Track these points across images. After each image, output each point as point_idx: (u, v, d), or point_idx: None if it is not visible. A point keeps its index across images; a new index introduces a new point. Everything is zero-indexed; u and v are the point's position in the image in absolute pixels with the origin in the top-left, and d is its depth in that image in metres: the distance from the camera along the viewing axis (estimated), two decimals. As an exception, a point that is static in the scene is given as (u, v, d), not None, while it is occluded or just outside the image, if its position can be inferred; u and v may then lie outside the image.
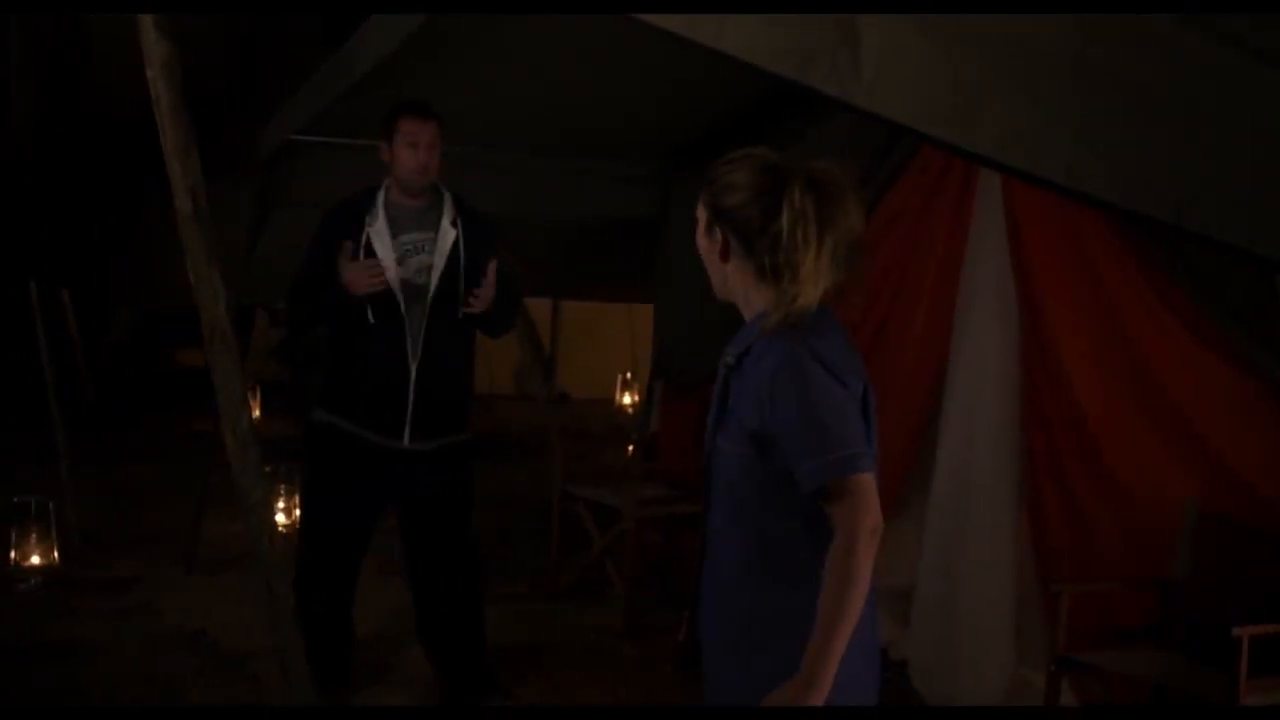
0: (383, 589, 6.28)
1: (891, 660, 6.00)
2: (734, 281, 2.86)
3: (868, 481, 2.70)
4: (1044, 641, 5.15)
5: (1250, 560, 4.89)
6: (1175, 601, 5.04)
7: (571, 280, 8.93)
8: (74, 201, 7.40)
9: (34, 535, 6.91)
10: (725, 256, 2.84)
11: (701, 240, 2.88)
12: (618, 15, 2.83)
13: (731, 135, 6.42)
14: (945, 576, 5.68)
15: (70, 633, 6.17)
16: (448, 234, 5.09)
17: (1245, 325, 4.89)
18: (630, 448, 8.53)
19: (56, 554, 6.98)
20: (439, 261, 5.06)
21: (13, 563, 6.88)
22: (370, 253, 5.01)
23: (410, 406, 5.05)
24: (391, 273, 4.99)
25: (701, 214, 2.85)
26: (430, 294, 5.03)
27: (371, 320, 5.01)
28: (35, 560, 6.91)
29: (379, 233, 5.03)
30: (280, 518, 7.78)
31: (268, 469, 6.86)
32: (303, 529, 5.33)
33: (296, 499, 7.99)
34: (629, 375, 12.74)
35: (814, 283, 2.76)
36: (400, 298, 5.00)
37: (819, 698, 2.64)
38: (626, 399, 12.81)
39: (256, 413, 11.30)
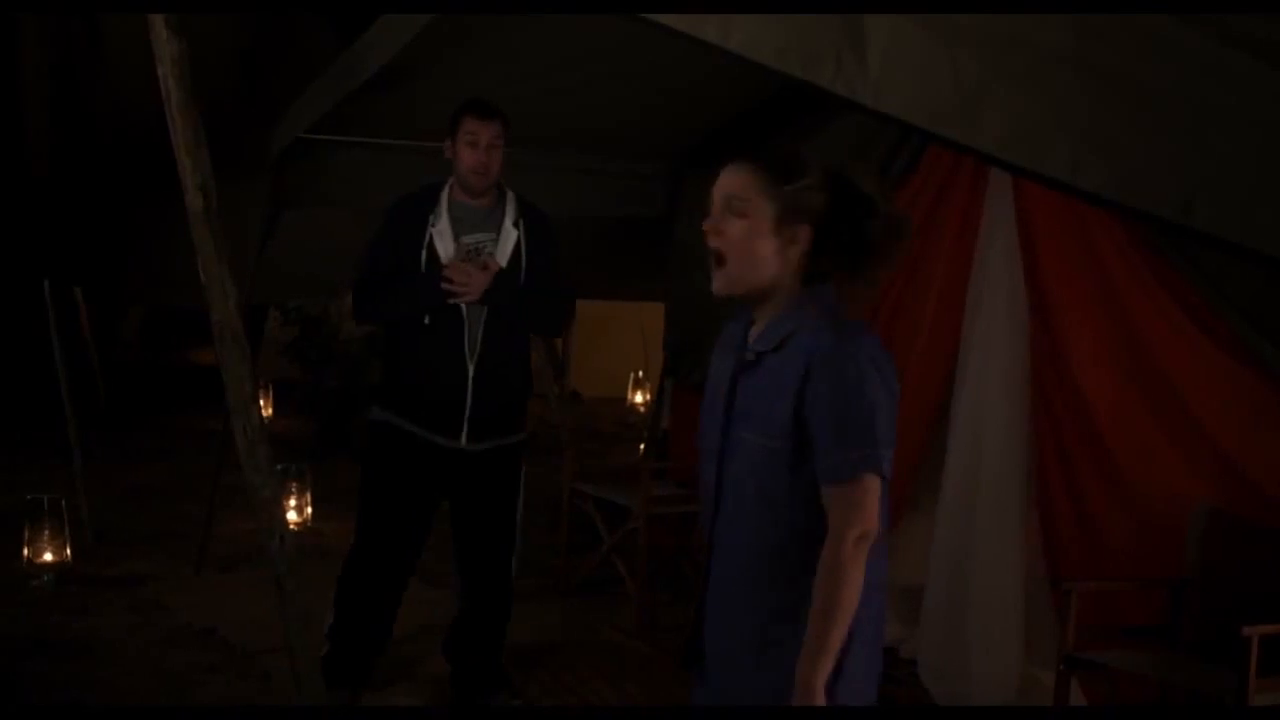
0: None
1: (901, 658, 6.00)
2: (778, 277, 2.84)
3: (873, 485, 2.74)
4: (1053, 640, 5.15)
5: (1259, 560, 4.88)
6: (1184, 601, 5.03)
7: (583, 279, 8.92)
8: (87, 200, 7.41)
9: (47, 533, 6.93)
10: (784, 252, 2.83)
11: (759, 232, 2.83)
12: (625, 15, 2.84)
13: (741, 134, 6.46)
14: (955, 575, 5.67)
15: (82, 629, 6.18)
16: (510, 235, 5.10)
17: (1255, 323, 4.88)
18: (641, 446, 8.55)
19: (69, 551, 6.99)
20: (502, 261, 5.07)
21: (26, 560, 6.89)
22: (432, 252, 5.03)
23: (468, 407, 5.08)
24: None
25: (768, 207, 2.81)
26: (480, 291, 5.02)
27: (430, 320, 5.03)
28: (48, 557, 6.92)
29: (441, 232, 5.05)
30: (291, 515, 7.80)
31: (279, 467, 6.90)
32: (358, 524, 5.34)
33: (308, 497, 8.03)
34: (640, 374, 12.75)
35: (877, 288, 2.90)
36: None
37: (817, 701, 2.71)
38: (638, 398, 12.82)
39: (269, 411, 11.34)
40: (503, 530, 5.31)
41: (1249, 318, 4.90)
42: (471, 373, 5.06)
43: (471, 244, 5.07)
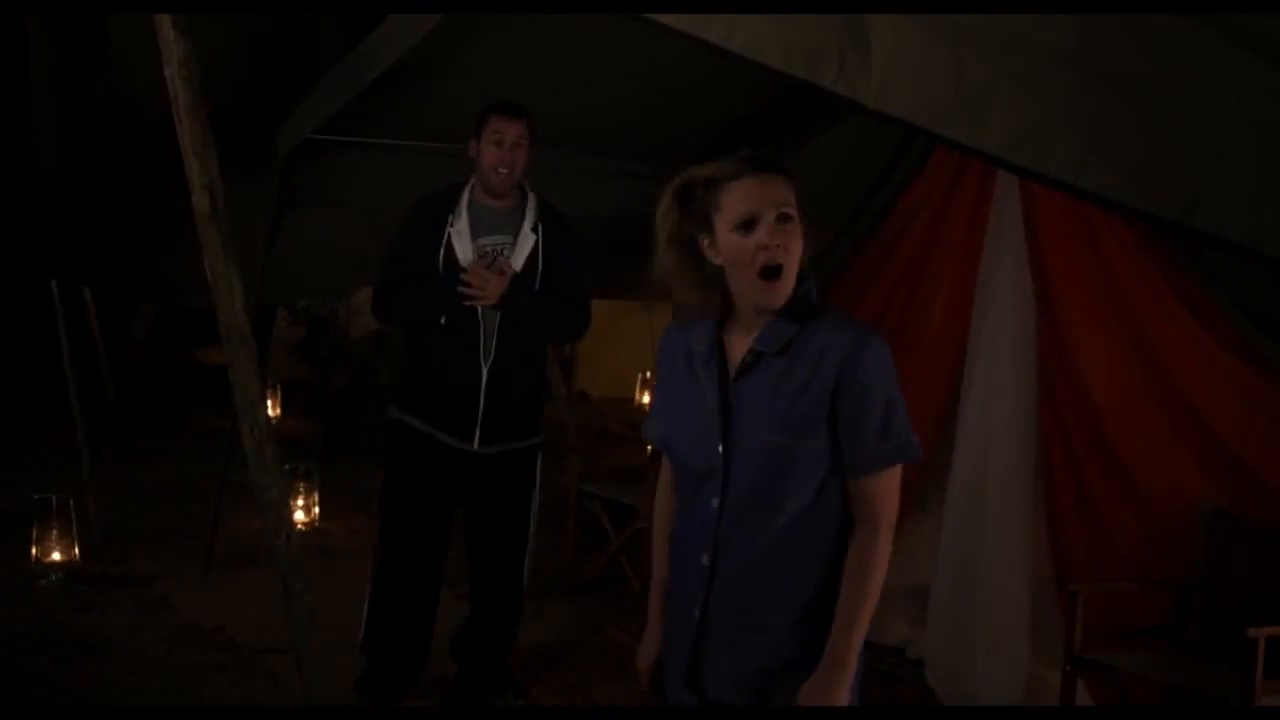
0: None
1: (908, 659, 6.01)
2: (797, 262, 2.84)
3: (900, 473, 2.86)
4: (1060, 641, 5.15)
5: (1266, 561, 4.88)
6: (1191, 602, 5.04)
7: (593, 279, 8.92)
8: (94, 200, 7.41)
9: (55, 532, 6.94)
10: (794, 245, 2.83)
11: (801, 240, 2.83)
12: (631, 16, 2.84)
13: (748, 135, 6.45)
14: (961, 576, 5.67)
15: (89, 628, 6.20)
16: (527, 239, 5.08)
17: (1262, 324, 4.88)
18: (649, 447, 8.54)
19: (77, 550, 7.01)
20: (517, 265, 5.06)
21: (34, 559, 6.91)
22: (450, 252, 5.03)
23: (481, 409, 5.07)
24: None
25: (799, 214, 2.81)
26: (500, 293, 5.01)
27: (446, 321, 5.04)
28: (56, 556, 6.94)
29: (460, 232, 5.05)
30: (299, 515, 7.81)
31: (286, 467, 6.91)
32: (380, 528, 5.35)
33: (315, 496, 8.04)
34: (648, 374, 12.74)
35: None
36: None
37: (847, 681, 2.82)
38: (645, 398, 12.82)
39: (276, 411, 11.36)
40: (514, 534, 5.30)
41: (1255, 318, 4.90)
42: (485, 375, 5.06)
43: (489, 246, 5.06)
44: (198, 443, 10.35)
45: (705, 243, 2.86)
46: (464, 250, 5.03)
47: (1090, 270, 5.33)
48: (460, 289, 4.97)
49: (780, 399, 2.83)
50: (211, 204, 4.23)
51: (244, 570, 7.17)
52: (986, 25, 2.57)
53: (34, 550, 6.92)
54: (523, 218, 5.11)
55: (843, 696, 2.81)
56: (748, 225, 2.78)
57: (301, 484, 7.98)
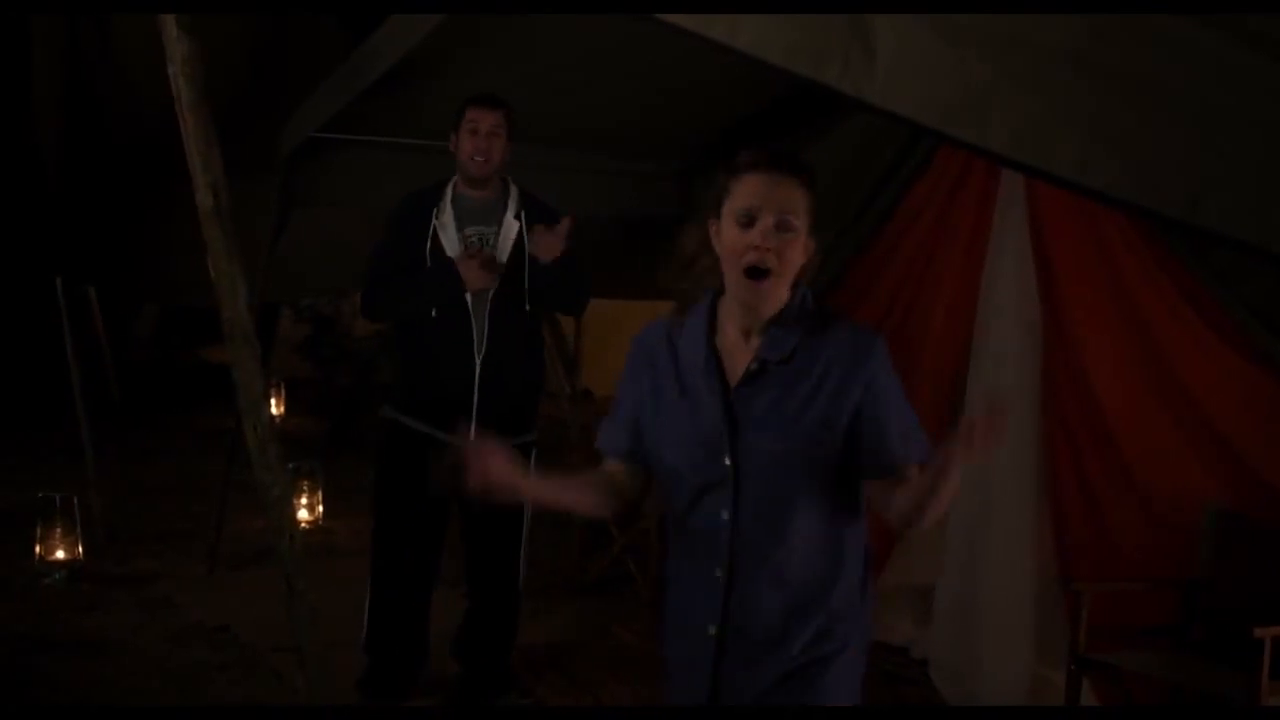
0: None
1: (913, 659, 6.00)
2: (791, 271, 2.79)
3: None
4: (1064, 641, 5.14)
5: (1271, 560, 4.87)
6: (1196, 602, 5.03)
7: (596, 279, 8.92)
8: (99, 199, 7.41)
9: (59, 530, 6.95)
10: (804, 262, 2.81)
11: (800, 247, 2.79)
12: (634, 15, 2.83)
13: (752, 133, 6.45)
14: (966, 576, 5.66)
15: (92, 628, 6.20)
16: (511, 227, 5.10)
17: (1266, 322, 4.87)
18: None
19: (80, 549, 7.01)
20: (503, 255, 5.07)
21: (37, 557, 6.91)
22: (436, 244, 5.04)
23: (475, 402, 5.07)
24: None
25: (805, 221, 2.78)
26: (493, 287, 5.04)
27: (436, 314, 5.04)
28: (60, 555, 6.94)
29: (445, 225, 5.07)
30: (303, 514, 7.81)
31: (290, 466, 6.91)
32: (375, 528, 5.36)
33: (319, 495, 8.04)
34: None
35: None
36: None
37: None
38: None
39: (281, 409, 11.36)
40: (510, 531, 5.30)
41: (1260, 316, 4.89)
42: (478, 368, 5.06)
43: (474, 236, 5.08)
44: (202, 441, 10.36)
45: (713, 228, 2.83)
46: (450, 242, 5.05)
47: (1095, 269, 5.32)
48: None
49: (789, 407, 2.79)
50: (215, 202, 4.22)
51: (247, 569, 7.17)
52: (989, 25, 2.56)
53: (38, 549, 6.92)
54: (505, 208, 5.13)
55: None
56: (746, 221, 2.75)
57: (305, 483, 7.98)
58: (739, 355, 2.85)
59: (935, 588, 5.83)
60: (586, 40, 5.25)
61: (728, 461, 2.81)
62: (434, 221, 5.07)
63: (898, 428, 2.80)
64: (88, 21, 7.24)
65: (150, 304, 13.33)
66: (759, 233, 2.73)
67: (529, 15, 4.91)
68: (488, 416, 5.08)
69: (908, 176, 5.99)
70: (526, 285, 5.09)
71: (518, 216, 5.12)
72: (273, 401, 11.25)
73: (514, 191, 5.18)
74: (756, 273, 2.74)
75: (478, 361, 5.05)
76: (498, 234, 5.11)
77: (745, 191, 2.76)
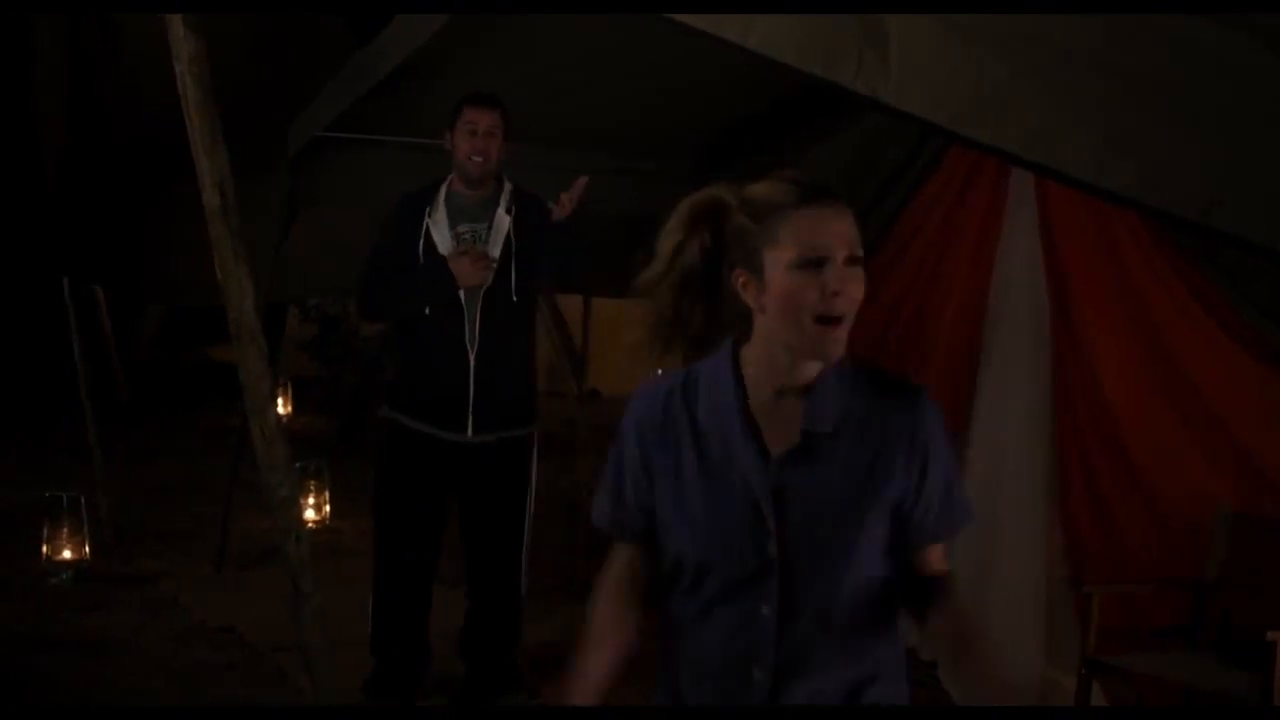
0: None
1: (922, 660, 5.98)
2: (848, 325, 2.36)
3: None
4: (1074, 643, 5.12)
5: (1283, 562, 4.85)
6: (1207, 603, 5.00)
7: (602, 277, 8.91)
8: (105, 198, 7.40)
9: (65, 530, 6.94)
10: (858, 294, 2.37)
11: (854, 273, 2.36)
12: (646, 14, 2.82)
13: (757, 134, 6.44)
14: (975, 577, 5.64)
15: (98, 627, 6.19)
16: (502, 221, 5.12)
17: (1277, 322, 4.85)
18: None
19: (88, 549, 7.00)
20: (495, 250, 5.09)
21: (44, 557, 6.90)
22: (430, 242, 5.05)
23: (471, 397, 5.08)
24: None
25: (859, 236, 2.37)
26: (486, 282, 5.06)
27: (430, 312, 5.05)
28: (67, 555, 6.93)
29: (438, 223, 5.10)
30: (310, 513, 7.80)
31: (297, 465, 6.89)
32: (375, 528, 5.36)
33: (326, 495, 8.02)
34: (659, 371, 12.70)
35: None
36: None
37: None
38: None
39: (288, 409, 11.35)
40: (511, 526, 5.29)
41: (1270, 316, 4.87)
42: (473, 363, 5.07)
43: (466, 233, 5.10)
44: (208, 441, 10.34)
45: (741, 280, 2.39)
46: (443, 240, 5.08)
47: (1105, 270, 5.30)
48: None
49: (840, 484, 2.38)
50: (222, 201, 4.22)
51: (254, 569, 7.16)
52: (1003, 25, 2.54)
53: (44, 548, 6.91)
54: (497, 204, 5.15)
55: None
56: (812, 264, 2.31)
57: (312, 482, 7.97)
58: (776, 422, 2.41)
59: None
60: (594, 39, 5.24)
61: (772, 553, 2.37)
62: (427, 220, 5.08)
63: (941, 497, 2.44)
64: (91, 21, 7.23)
65: (156, 303, 13.32)
66: (834, 275, 2.31)
67: (530, 15, 4.91)
68: (485, 412, 5.08)
69: (916, 178, 5.97)
70: (514, 271, 5.09)
71: (509, 211, 5.13)
72: (280, 401, 11.24)
73: (507, 188, 5.19)
74: (830, 321, 2.32)
75: (472, 357, 5.06)
76: (489, 230, 5.12)
77: (806, 230, 2.32)
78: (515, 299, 5.13)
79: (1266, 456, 4.96)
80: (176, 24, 4.10)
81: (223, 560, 7.17)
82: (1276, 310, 4.86)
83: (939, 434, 2.45)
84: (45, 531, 6.91)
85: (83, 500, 7.04)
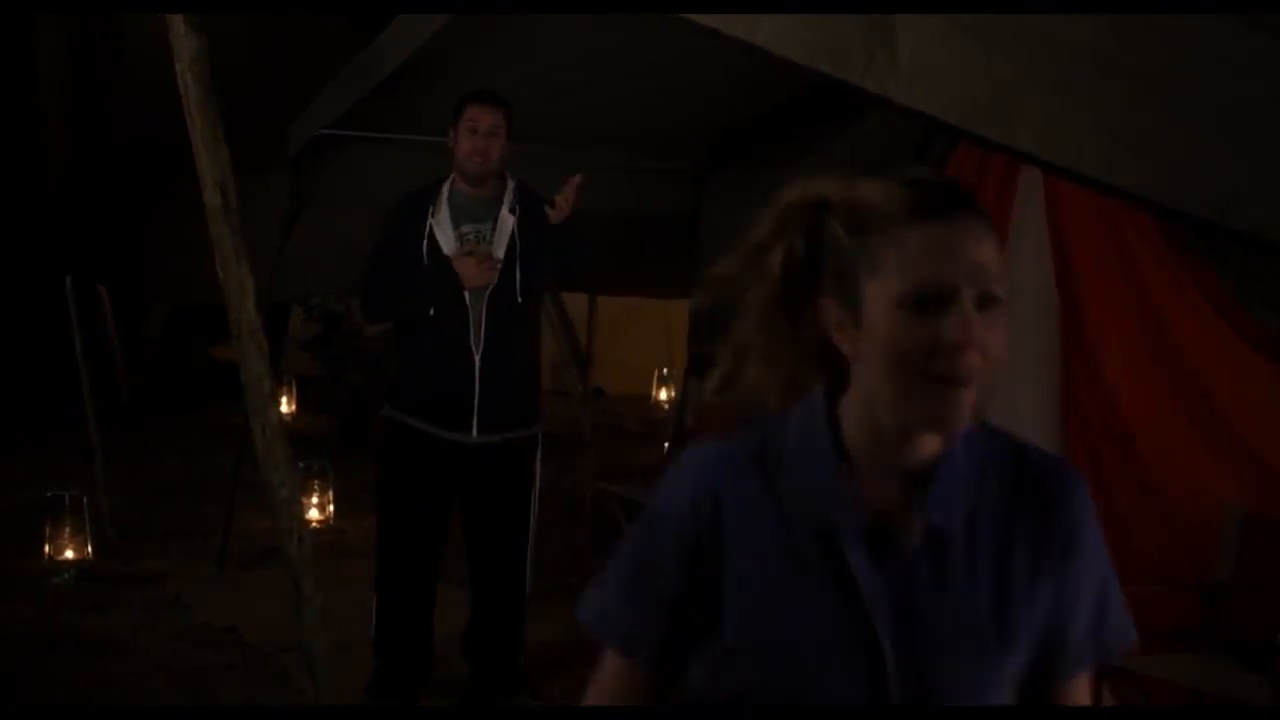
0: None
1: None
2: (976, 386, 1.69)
3: None
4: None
5: (1293, 564, 4.82)
6: (1217, 606, 4.97)
7: (607, 275, 8.90)
8: (107, 197, 7.39)
9: (67, 530, 6.92)
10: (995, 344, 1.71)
11: (991, 317, 1.69)
12: (648, 15, 2.79)
13: (764, 132, 6.41)
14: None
15: (100, 628, 6.17)
16: (506, 221, 5.08)
17: (1291, 325, 4.82)
18: (667, 445, 8.49)
19: (90, 549, 6.98)
20: (499, 250, 5.05)
21: (46, 557, 6.88)
22: (433, 243, 5.01)
23: (476, 398, 5.04)
24: None
25: (1000, 266, 1.72)
26: (491, 283, 5.01)
27: (434, 313, 5.02)
28: (69, 555, 6.92)
29: (441, 223, 5.05)
30: (313, 513, 7.77)
31: (300, 465, 6.86)
32: (378, 529, 5.33)
33: (330, 494, 8.00)
34: (665, 371, 12.69)
35: None
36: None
37: None
38: (663, 395, 12.76)
39: (291, 408, 11.34)
40: (515, 527, 5.26)
41: (1283, 317, 4.84)
42: (478, 364, 5.03)
43: (470, 233, 5.06)
44: (212, 439, 10.31)
45: (831, 312, 1.74)
46: (446, 240, 5.04)
47: (1113, 268, 5.27)
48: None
49: (976, 601, 1.74)
50: (223, 200, 4.20)
51: (256, 569, 7.13)
52: (1015, 23, 2.51)
53: (46, 548, 6.89)
54: (501, 203, 5.11)
55: None
56: (931, 303, 1.66)
57: (316, 482, 7.95)
58: (888, 509, 1.75)
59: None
60: (597, 37, 5.23)
61: (893, 693, 1.72)
62: (430, 220, 5.04)
63: (1092, 616, 1.82)
64: (95, 21, 7.22)
65: (159, 303, 13.31)
66: (958, 322, 1.65)
67: (530, 15, 4.90)
68: (489, 413, 5.05)
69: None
70: (519, 270, 5.05)
71: (512, 210, 5.09)
72: (283, 400, 11.22)
73: (510, 186, 5.14)
74: (952, 381, 1.67)
75: (476, 358, 5.03)
76: (493, 229, 5.08)
77: (917, 256, 1.66)
78: (520, 300, 5.09)
79: (1276, 455, 4.93)
80: (177, 23, 4.08)
81: (225, 560, 7.14)
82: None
83: (1095, 532, 1.83)
84: (47, 531, 6.89)
85: (84, 500, 7.02)
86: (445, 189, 5.10)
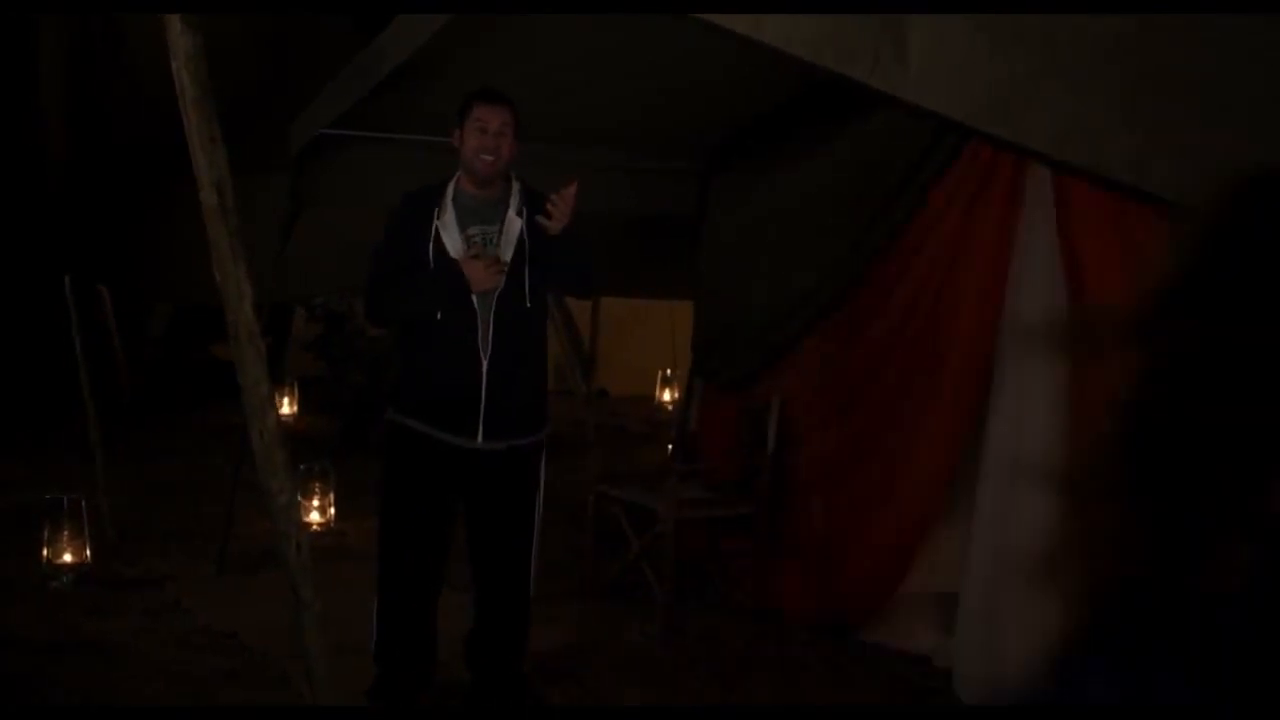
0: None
1: (936, 667, 5.91)
2: None
3: None
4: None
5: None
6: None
7: (611, 276, 8.88)
8: (107, 197, 7.37)
9: (66, 533, 6.87)
10: None
11: None
12: (648, 15, 2.74)
13: (768, 133, 6.37)
14: (990, 584, 5.56)
15: (99, 632, 6.12)
16: (513, 224, 5.02)
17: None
18: (669, 447, 8.44)
19: (88, 552, 6.93)
20: (506, 253, 4.99)
21: (45, 560, 6.84)
22: (439, 245, 4.95)
23: (483, 403, 4.99)
24: None
25: None
26: (499, 286, 4.95)
27: (442, 316, 4.96)
28: (67, 558, 6.87)
29: (447, 225, 4.99)
30: (314, 515, 7.73)
31: (301, 467, 6.82)
32: (380, 533, 5.28)
33: (331, 496, 7.95)
34: (669, 372, 12.64)
35: None
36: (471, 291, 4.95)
37: None
38: (666, 396, 12.72)
39: (293, 409, 11.30)
40: (520, 533, 5.21)
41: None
42: (486, 369, 4.97)
43: (477, 235, 5.00)
44: (213, 440, 10.28)
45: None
46: (452, 242, 4.97)
47: (1123, 270, 5.21)
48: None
49: None
50: (219, 201, 4.14)
51: (257, 572, 7.09)
52: (1032, 21, 2.46)
53: (45, 551, 6.85)
54: (507, 205, 5.04)
55: None
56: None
57: (317, 484, 7.90)
58: None
59: (960, 594, 5.73)
60: (587, 40, 5.21)
61: None
62: (435, 221, 4.98)
63: None
64: (95, 21, 7.19)
65: (161, 303, 13.30)
66: None
67: (530, 15, 4.86)
68: (497, 419, 4.99)
69: (929, 178, 5.87)
70: (528, 274, 5.00)
71: (519, 213, 5.03)
72: (285, 401, 11.19)
73: (516, 187, 5.08)
74: None
75: (485, 363, 4.97)
76: (500, 232, 5.01)
77: None
78: (529, 304, 5.04)
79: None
80: (174, 22, 4.03)
81: (225, 563, 7.10)
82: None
83: None
84: (46, 534, 6.85)
85: (83, 503, 6.97)
86: (450, 190, 5.03)
